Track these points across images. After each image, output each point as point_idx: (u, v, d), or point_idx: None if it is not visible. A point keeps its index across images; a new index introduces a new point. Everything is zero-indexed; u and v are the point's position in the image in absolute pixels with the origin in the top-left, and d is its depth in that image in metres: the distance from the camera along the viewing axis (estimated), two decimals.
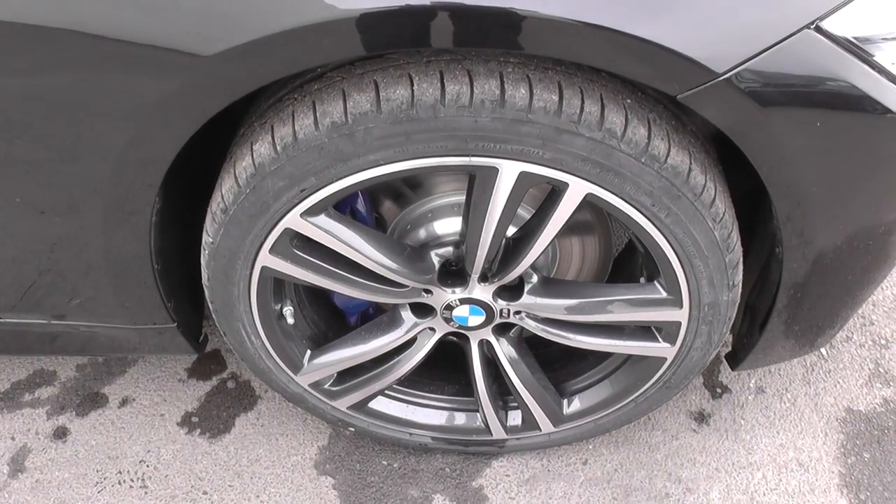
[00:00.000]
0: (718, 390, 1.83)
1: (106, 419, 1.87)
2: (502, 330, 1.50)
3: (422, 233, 1.45)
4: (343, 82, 1.17)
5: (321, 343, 1.56)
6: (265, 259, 1.32)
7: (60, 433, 1.86)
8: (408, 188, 1.47)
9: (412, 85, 1.13)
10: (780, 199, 1.25)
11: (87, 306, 1.49)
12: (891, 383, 1.82)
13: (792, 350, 1.59)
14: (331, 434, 1.80)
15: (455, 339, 1.53)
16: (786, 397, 1.81)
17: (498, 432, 1.64)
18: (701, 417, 1.78)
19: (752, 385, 1.83)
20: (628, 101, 1.18)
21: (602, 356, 1.58)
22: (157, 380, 1.93)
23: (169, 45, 1.05)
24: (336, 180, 1.20)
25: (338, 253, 1.32)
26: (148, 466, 1.78)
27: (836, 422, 1.76)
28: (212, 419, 1.85)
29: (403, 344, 1.50)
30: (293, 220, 1.26)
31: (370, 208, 1.46)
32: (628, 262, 1.65)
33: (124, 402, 1.90)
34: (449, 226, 1.43)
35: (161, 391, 1.91)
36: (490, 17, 1.03)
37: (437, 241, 1.43)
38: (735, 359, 1.59)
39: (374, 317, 1.62)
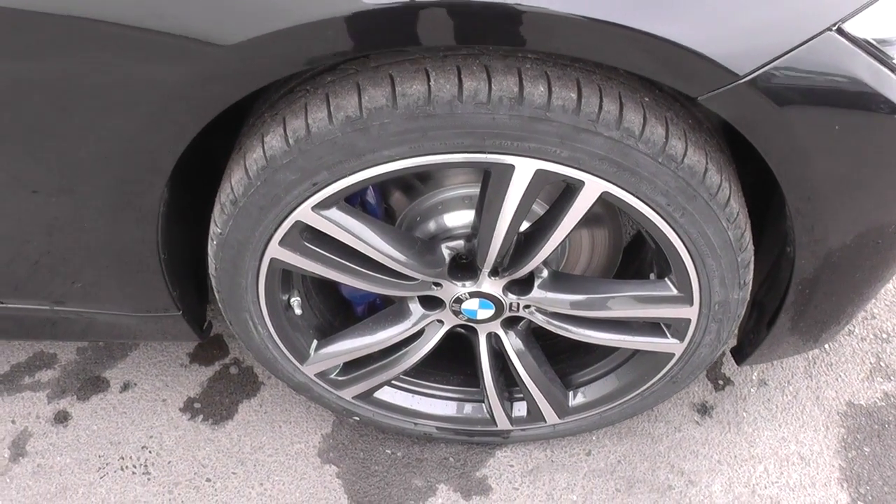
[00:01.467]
0: (721, 382, 1.84)
1: (107, 404, 1.87)
2: (510, 323, 1.49)
3: (432, 225, 1.44)
4: (357, 75, 1.15)
5: (327, 333, 1.55)
6: (274, 251, 1.31)
7: (61, 417, 1.85)
8: (417, 180, 1.45)
9: (429, 80, 1.11)
10: (793, 196, 1.24)
11: (94, 293, 1.48)
12: (891, 378, 1.83)
13: (796, 346, 1.60)
14: (334, 422, 1.80)
15: (462, 331, 1.52)
16: (788, 390, 1.82)
17: (503, 423, 1.64)
18: (704, 409, 1.79)
19: (754, 378, 1.84)
20: (646, 99, 1.17)
21: (609, 350, 1.58)
22: (158, 364, 1.92)
23: (187, 34, 1.03)
24: (349, 175, 1.19)
25: (347, 245, 1.30)
26: (150, 452, 1.77)
27: (836, 415, 1.77)
28: (214, 405, 1.84)
29: (411, 335, 1.49)
30: (304, 213, 1.24)
31: (380, 199, 1.45)
32: (636, 256, 1.64)
33: (126, 387, 1.89)
34: (459, 218, 1.42)
35: (163, 376, 1.90)
36: (512, 14, 1.01)
37: (447, 234, 1.42)
38: (741, 354, 1.59)
39: (381, 307, 1.61)
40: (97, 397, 1.88)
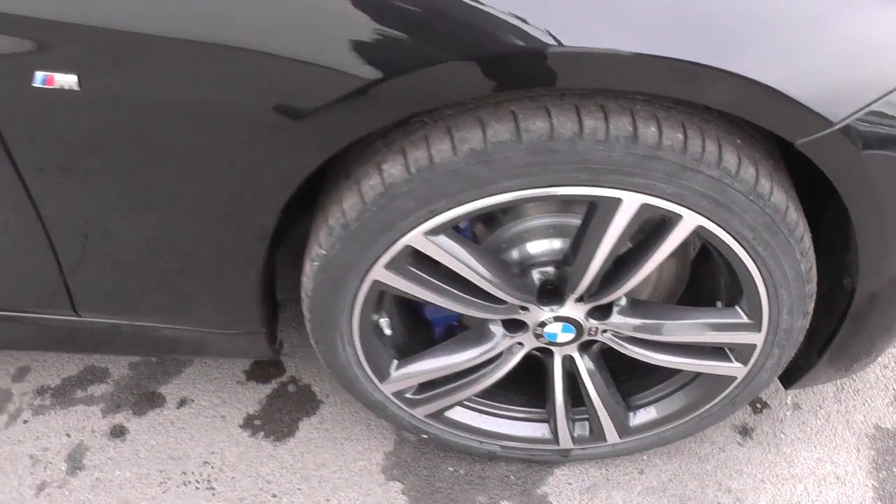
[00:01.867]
0: (759, 405, 1.94)
1: (165, 419, 1.89)
2: (586, 346, 1.58)
3: (515, 252, 1.51)
4: (477, 110, 1.23)
5: (405, 353, 1.61)
6: (378, 273, 1.37)
7: (118, 432, 1.86)
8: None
9: (550, 118, 1.20)
10: (862, 233, 1.36)
11: (185, 310, 1.52)
12: None
13: (830, 374, 1.72)
14: (396, 440, 1.85)
15: (538, 353, 1.60)
16: (820, 414, 1.93)
17: (565, 442, 1.72)
18: (745, 431, 1.89)
19: (788, 401, 1.95)
20: (738, 141, 1.27)
21: (670, 372, 1.67)
22: (214, 381, 1.95)
23: (330, 65, 1.10)
24: (466, 203, 1.26)
25: (447, 269, 1.38)
26: (213, 468, 1.80)
27: (866, 438, 1.89)
28: (275, 422, 1.88)
29: (490, 357, 1.56)
30: (415, 237, 1.31)
31: (470, 225, 1.52)
32: (693, 284, 1.74)
33: (182, 403, 1.91)
34: (544, 246, 1.50)
35: (220, 392, 1.93)
36: (648, 63, 1.11)
37: (531, 261, 1.49)
38: (789, 378, 1.70)
39: (458, 329, 1.68)
40: (154, 412, 1.90)
